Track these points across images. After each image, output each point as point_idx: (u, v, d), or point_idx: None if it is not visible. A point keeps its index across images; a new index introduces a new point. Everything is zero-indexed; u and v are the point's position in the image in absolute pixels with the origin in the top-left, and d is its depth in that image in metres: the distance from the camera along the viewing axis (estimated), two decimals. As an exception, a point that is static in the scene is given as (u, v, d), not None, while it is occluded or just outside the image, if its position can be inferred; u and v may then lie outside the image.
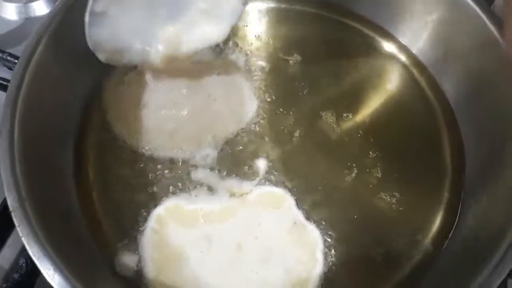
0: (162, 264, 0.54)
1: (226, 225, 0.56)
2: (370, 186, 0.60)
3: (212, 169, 0.60)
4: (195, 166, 0.60)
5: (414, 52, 0.70)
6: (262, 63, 0.69)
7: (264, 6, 0.74)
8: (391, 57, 0.70)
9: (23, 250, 0.53)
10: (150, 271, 0.53)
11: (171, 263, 0.54)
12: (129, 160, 0.61)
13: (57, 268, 0.44)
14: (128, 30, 0.55)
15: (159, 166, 0.60)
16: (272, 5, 0.74)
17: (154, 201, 0.58)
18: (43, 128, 0.55)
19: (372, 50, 0.71)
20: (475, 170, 0.61)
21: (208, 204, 0.57)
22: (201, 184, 0.59)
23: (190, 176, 0.59)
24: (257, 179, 0.59)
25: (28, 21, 0.73)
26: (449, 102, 0.66)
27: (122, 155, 0.61)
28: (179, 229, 0.55)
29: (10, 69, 0.63)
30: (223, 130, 0.63)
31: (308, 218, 0.57)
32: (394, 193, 0.59)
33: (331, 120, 0.64)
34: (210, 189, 0.59)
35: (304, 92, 0.66)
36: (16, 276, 0.53)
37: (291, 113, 0.65)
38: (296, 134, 0.63)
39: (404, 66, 0.70)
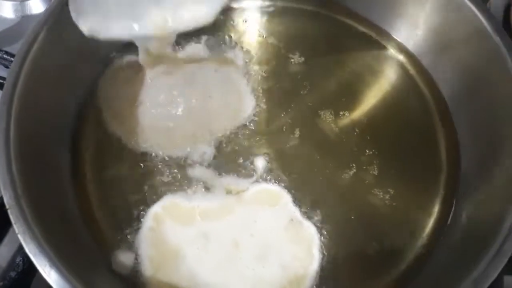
0: (159, 261, 0.54)
1: (222, 222, 0.56)
2: (367, 183, 0.60)
3: (208, 166, 0.60)
4: (192, 164, 0.60)
5: (409, 49, 0.70)
6: (260, 60, 0.69)
7: (262, 3, 0.74)
8: (387, 54, 0.71)
9: (20, 248, 0.53)
10: (147, 268, 0.54)
11: (168, 260, 0.54)
12: (125, 158, 0.61)
13: (54, 265, 0.44)
14: (112, 3, 0.54)
15: (155, 164, 0.60)
16: (270, 2, 0.74)
17: (150, 199, 0.58)
18: (39, 126, 0.55)
19: (368, 47, 0.71)
20: (470, 165, 0.61)
21: (204, 201, 0.57)
22: (198, 182, 0.59)
23: (187, 174, 0.59)
24: (254, 176, 0.60)
25: (24, 19, 0.73)
26: (444, 98, 0.66)
27: (118, 153, 0.61)
28: (176, 226, 0.56)
29: (7, 67, 0.63)
30: (220, 127, 0.63)
31: (304, 215, 0.57)
32: (390, 189, 0.59)
33: (328, 118, 0.64)
34: (207, 186, 0.59)
35: (302, 90, 0.66)
36: (13, 274, 0.53)
37: (288, 110, 0.65)
38: (293, 131, 0.63)
39: (399, 63, 0.70)
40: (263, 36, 0.71)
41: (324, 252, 0.55)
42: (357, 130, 0.64)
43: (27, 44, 0.54)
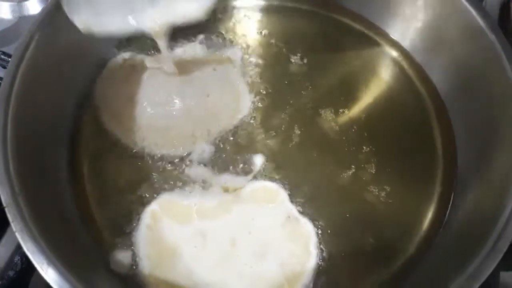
0: (157, 259, 0.54)
1: (220, 220, 0.56)
2: (364, 180, 0.60)
3: (206, 165, 0.60)
4: (189, 162, 0.60)
5: (404, 47, 0.70)
6: (258, 58, 0.69)
7: (259, 2, 0.75)
8: (382, 52, 0.71)
9: (18, 248, 0.54)
10: (145, 266, 0.54)
11: (165, 258, 0.54)
12: (123, 156, 0.61)
13: (51, 263, 0.44)
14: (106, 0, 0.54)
15: (153, 163, 0.60)
16: (267, 2, 0.75)
17: (148, 197, 0.58)
18: (36, 125, 0.55)
19: (363, 46, 0.71)
20: (466, 162, 0.61)
21: (202, 199, 0.57)
22: (195, 180, 0.59)
23: (184, 172, 0.60)
24: (251, 174, 0.60)
25: (21, 19, 0.73)
26: (440, 95, 0.67)
27: (116, 152, 0.61)
28: (173, 225, 0.56)
29: (4, 67, 0.63)
30: (217, 125, 0.63)
31: (301, 212, 0.57)
32: (386, 187, 0.60)
33: (325, 116, 0.65)
34: (204, 184, 0.59)
35: (299, 88, 0.67)
36: (11, 273, 0.54)
37: (286, 108, 0.65)
38: (291, 129, 0.63)
39: (395, 61, 0.70)
40: (261, 35, 0.71)
41: (321, 249, 0.56)
42: (354, 128, 0.64)
43: (24, 44, 0.54)
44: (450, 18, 0.62)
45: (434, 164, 0.62)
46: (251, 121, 0.64)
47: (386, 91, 0.68)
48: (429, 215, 0.59)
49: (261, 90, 0.66)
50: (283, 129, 0.63)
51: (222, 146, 0.62)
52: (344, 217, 0.58)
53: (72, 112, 0.63)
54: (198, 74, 0.66)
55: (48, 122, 0.58)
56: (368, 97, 0.67)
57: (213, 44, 0.70)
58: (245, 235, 0.55)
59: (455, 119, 0.65)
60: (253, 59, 0.69)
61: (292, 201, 0.58)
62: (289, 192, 0.58)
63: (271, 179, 0.59)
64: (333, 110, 0.65)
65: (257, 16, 0.74)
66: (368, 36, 0.72)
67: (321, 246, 0.56)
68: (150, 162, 0.60)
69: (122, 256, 0.55)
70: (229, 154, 0.61)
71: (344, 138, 0.63)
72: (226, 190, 0.58)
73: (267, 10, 0.74)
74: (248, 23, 0.73)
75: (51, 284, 0.44)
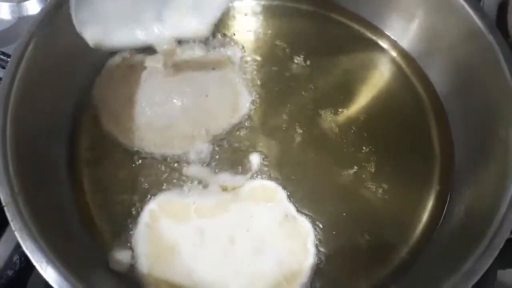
0: (156, 258, 0.54)
1: (218, 218, 0.56)
2: (362, 179, 0.60)
3: (204, 164, 0.61)
4: (188, 162, 0.61)
5: (402, 46, 0.71)
6: (257, 58, 0.69)
7: (258, 2, 0.75)
8: (380, 52, 0.71)
9: (17, 247, 0.54)
10: (144, 265, 0.54)
11: (164, 257, 0.54)
12: (121, 156, 0.61)
13: (50, 261, 0.44)
14: (114, 14, 0.54)
15: (151, 162, 0.61)
16: (266, 2, 0.75)
17: (146, 196, 0.58)
18: (35, 125, 0.55)
19: (362, 46, 0.72)
20: (464, 161, 0.62)
21: (200, 198, 0.57)
22: (194, 179, 0.59)
23: (183, 171, 0.60)
24: (249, 173, 0.60)
25: (21, 20, 0.73)
26: (438, 93, 0.67)
27: (114, 152, 0.61)
28: (171, 223, 0.56)
29: (3, 67, 0.64)
30: (216, 125, 0.63)
31: (299, 210, 0.57)
32: (385, 185, 0.60)
33: (324, 116, 0.65)
34: (203, 183, 0.59)
35: (298, 88, 0.67)
36: (10, 273, 0.54)
37: (284, 108, 0.65)
38: (289, 129, 0.64)
39: (393, 60, 0.71)
40: (260, 35, 0.72)
41: (319, 247, 0.56)
42: (354, 128, 0.64)
43: (23, 45, 0.54)
44: (448, 19, 0.63)
45: (432, 163, 0.63)
46: (250, 121, 0.64)
47: (385, 91, 0.68)
48: (427, 213, 0.59)
49: (260, 90, 0.67)
50: (281, 128, 0.64)
51: (220, 145, 0.62)
52: (342, 215, 0.58)
53: (71, 112, 0.63)
54: (197, 73, 0.66)
55: (47, 122, 0.58)
56: (367, 97, 0.67)
57: (212, 44, 0.70)
58: (243, 234, 0.55)
59: (453, 119, 0.65)
60: (252, 59, 0.69)
61: (290, 200, 0.58)
62: (287, 191, 0.59)
63: (269, 178, 0.60)
64: (332, 110, 0.65)
65: (257, 16, 0.74)
66: (367, 36, 0.72)
67: (319, 245, 0.56)
68: (148, 161, 0.61)
69: (121, 255, 0.55)
70: (228, 153, 0.62)
71: (343, 138, 0.63)
72: (224, 189, 0.59)
73: (266, 10, 0.74)
74: (247, 23, 0.73)
75: (50, 282, 0.44)
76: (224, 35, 0.71)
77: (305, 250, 0.55)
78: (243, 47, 0.70)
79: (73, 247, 0.52)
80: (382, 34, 0.72)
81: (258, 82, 0.67)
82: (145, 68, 0.65)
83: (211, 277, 0.53)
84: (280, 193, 0.58)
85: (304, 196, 0.59)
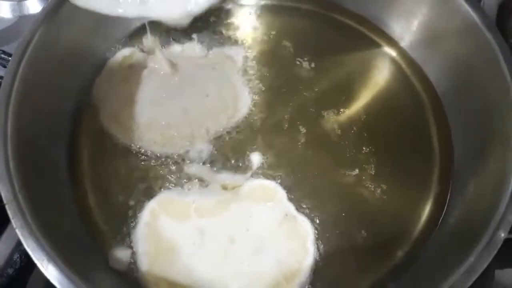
0: (155, 257, 0.54)
1: (218, 218, 0.56)
2: (362, 179, 0.61)
3: (204, 163, 0.61)
4: (188, 161, 0.61)
5: (403, 46, 0.71)
6: (258, 57, 0.69)
7: (258, 2, 0.75)
8: (380, 51, 0.71)
9: (18, 245, 0.54)
10: (144, 264, 0.54)
11: (164, 256, 0.54)
12: (122, 154, 0.61)
13: (51, 259, 0.44)
14: None
15: (152, 162, 0.61)
16: (266, 2, 0.75)
17: (147, 195, 0.58)
18: (36, 123, 0.55)
19: (362, 45, 0.72)
20: (463, 160, 0.62)
21: (200, 197, 0.58)
22: (194, 178, 0.59)
23: (183, 170, 0.60)
24: (249, 172, 0.60)
25: (22, 19, 0.73)
26: (438, 93, 0.67)
27: (115, 150, 0.61)
28: (171, 222, 0.56)
29: (4, 66, 0.64)
30: (216, 124, 0.63)
31: (299, 210, 0.58)
32: (385, 185, 0.60)
33: (327, 116, 0.65)
34: (203, 182, 0.59)
35: (298, 88, 0.67)
36: (10, 271, 0.54)
37: (284, 108, 0.65)
38: (290, 129, 0.64)
39: (393, 60, 0.71)
40: (261, 34, 0.72)
41: (319, 246, 0.56)
42: (354, 128, 0.64)
43: (24, 44, 0.54)
44: (448, 18, 0.63)
45: (431, 164, 0.63)
46: (250, 120, 0.64)
47: (385, 91, 0.68)
48: (426, 213, 0.59)
49: (261, 90, 0.67)
50: (281, 128, 0.64)
51: (220, 144, 0.62)
52: (342, 215, 0.58)
53: (72, 111, 0.63)
54: (197, 73, 0.66)
55: (48, 120, 0.58)
56: (367, 97, 0.67)
57: (213, 43, 0.70)
58: (243, 233, 0.56)
59: (452, 119, 0.65)
60: (252, 58, 0.69)
61: (290, 200, 0.58)
62: (287, 190, 0.59)
63: (269, 177, 0.60)
64: (332, 110, 0.65)
65: (257, 15, 0.74)
66: (367, 36, 0.72)
67: (319, 244, 0.56)
68: (149, 160, 0.61)
69: (121, 254, 0.55)
70: (228, 153, 0.62)
71: (344, 138, 0.63)
72: (224, 188, 0.59)
73: (266, 10, 0.75)
74: (248, 22, 0.73)
75: (51, 280, 0.44)
76: (224, 34, 0.71)
77: (305, 249, 0.55)
78: (243, 47, 0.70)
79: (74, 246, 0.52)
80: (382, 34, 0.72)
81: (259, 82, 0.67)
82: (145, 67, 0.66)
83: (210, 275, 0.54)
84: (280, 193, 0.58)
85: (304, 196, 0.59)
